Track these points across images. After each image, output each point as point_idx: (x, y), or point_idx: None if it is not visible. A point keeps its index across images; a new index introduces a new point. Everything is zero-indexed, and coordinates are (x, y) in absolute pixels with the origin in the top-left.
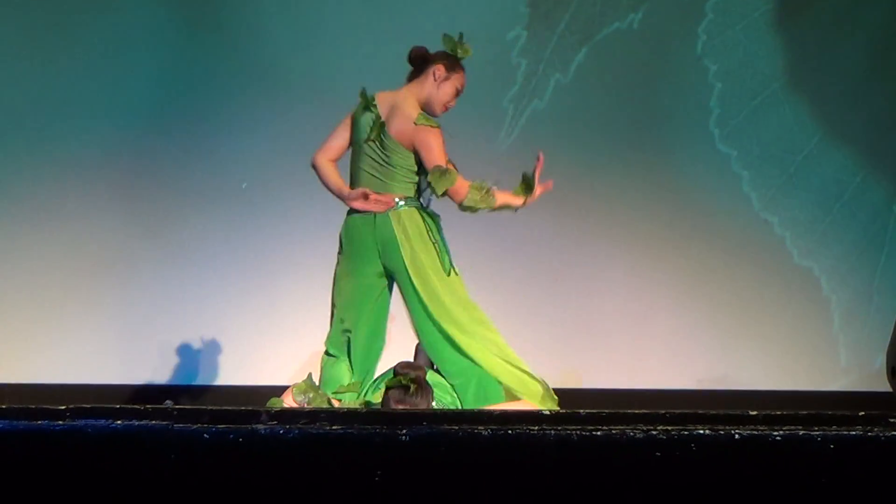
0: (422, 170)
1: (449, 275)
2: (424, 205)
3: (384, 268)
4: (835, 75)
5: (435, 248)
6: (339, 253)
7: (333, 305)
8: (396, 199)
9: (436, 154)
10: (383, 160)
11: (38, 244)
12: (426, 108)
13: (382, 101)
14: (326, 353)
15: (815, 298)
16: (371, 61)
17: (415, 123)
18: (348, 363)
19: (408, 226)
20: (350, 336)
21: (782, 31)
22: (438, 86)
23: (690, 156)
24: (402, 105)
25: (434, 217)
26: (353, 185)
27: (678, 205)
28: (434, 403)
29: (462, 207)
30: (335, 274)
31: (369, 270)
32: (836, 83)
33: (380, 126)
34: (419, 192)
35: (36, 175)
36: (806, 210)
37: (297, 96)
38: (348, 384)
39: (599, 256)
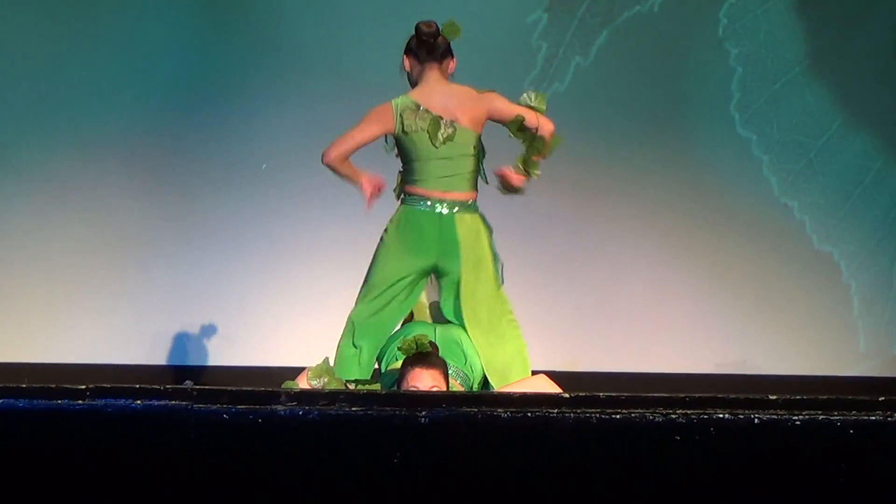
0: (480, 162)
1: (499, 288)
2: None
3: (434, 267)
4: (856, 60)
5: (493, 258)
6: (386, 237)
7: (369, 287)
8: (460, 199)
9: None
10: (462, 155)
11: (58, 225)
12: None
13: (431, 104)
14: (350, 342)
15: (835, 283)
16: (392, 41)
17: (479, 92)
18: (368, 349)
19: (471, 231)
20: (376, 319)
21: (803, 15)
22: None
23: (710, 139)
24: (459, 93)
25: (490, 226)
26: (416, 182)
27: (698, 188)
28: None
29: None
30: (378, 257)
31: (419, 265)
32: (858, 68)
33: (448, 125)
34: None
35: (56, 156)
36: (826, 195)
37: (317, 77)
38: (367, 378)
39: (619, 240)
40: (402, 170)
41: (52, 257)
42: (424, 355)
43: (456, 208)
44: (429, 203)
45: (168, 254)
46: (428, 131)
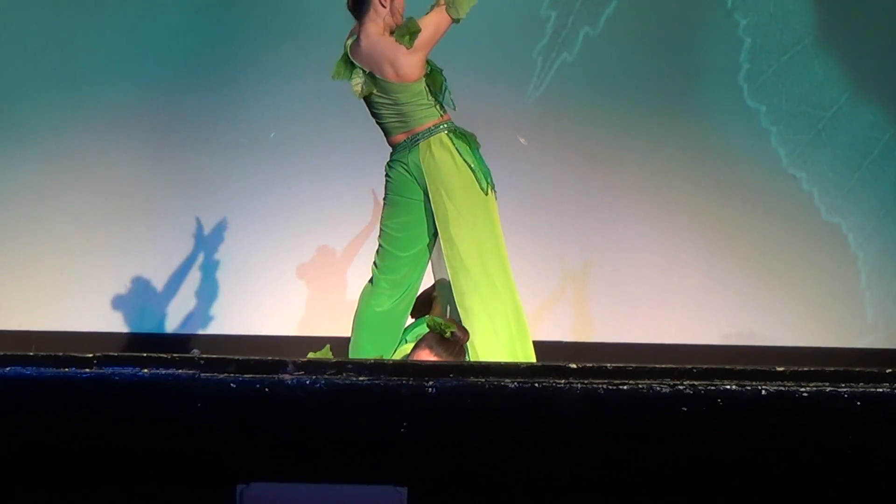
0: (434, 88)
1: (487, 193)
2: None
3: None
4: (866, 31)
5: (470, 168)
6: (385, 196)
7: (385, 249)
8: (419, 132)
9: (430, 26)
10: (394, 104)
11: (67, 192)
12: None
13: (358, 56)
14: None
15: (843, 255)
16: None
17: (404, 46)
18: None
19: (436, 153)
20: (405, 273)
21: None
22: (390, 6)
23: (719, 110)
24: (376, 50)
25: (466, 137)
26: (387, 135)
27: (706, 159)
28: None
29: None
30: (383, 217)
31: (421, 196)
32: (867, 39)
33: (371, 78)
34: (441, 104)
35: (64, 124)
36: (834, 166)
37: (326, 45)
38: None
39: (626, 210)
40: None
41: (60, 224)
42: (444, 340)
43: (415, 140)
44: (394, 154)
45: (176, 222)
46: (351, 81)
